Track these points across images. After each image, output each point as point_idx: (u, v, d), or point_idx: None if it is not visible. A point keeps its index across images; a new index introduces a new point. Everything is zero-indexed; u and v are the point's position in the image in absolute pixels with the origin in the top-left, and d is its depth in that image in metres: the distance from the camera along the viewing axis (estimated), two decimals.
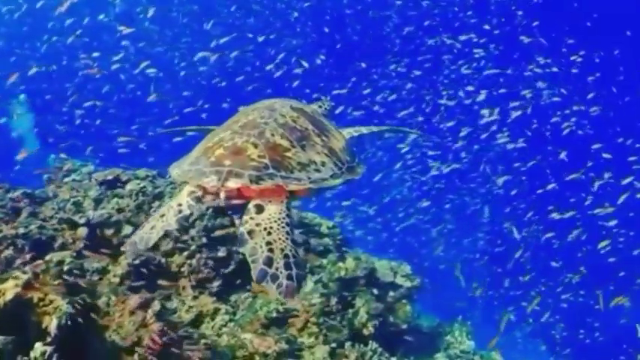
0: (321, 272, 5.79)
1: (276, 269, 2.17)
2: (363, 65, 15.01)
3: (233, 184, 2.32)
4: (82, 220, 5.62)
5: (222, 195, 2.41)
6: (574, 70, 13.65)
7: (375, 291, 5.97)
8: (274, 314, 4.79)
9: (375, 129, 3.50)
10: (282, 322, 5.11)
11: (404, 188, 17.15)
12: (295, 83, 14.31)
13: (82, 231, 5.56)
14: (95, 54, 13.91)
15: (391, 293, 6.38)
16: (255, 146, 2.45)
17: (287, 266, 2.19)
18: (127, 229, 5.72)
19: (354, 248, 8.03)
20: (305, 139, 2.66)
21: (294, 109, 2.89)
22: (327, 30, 15.92)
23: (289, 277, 2.16)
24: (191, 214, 2.76)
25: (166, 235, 5.83)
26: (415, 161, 14.66)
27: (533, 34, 13.66)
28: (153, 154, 13.28)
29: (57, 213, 5.87)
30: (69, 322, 3.44)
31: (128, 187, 6.24)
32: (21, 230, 5.15)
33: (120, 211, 6.00)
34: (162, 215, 2.70)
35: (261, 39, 14.80)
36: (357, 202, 15.93)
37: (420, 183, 16.30)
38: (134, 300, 3.85)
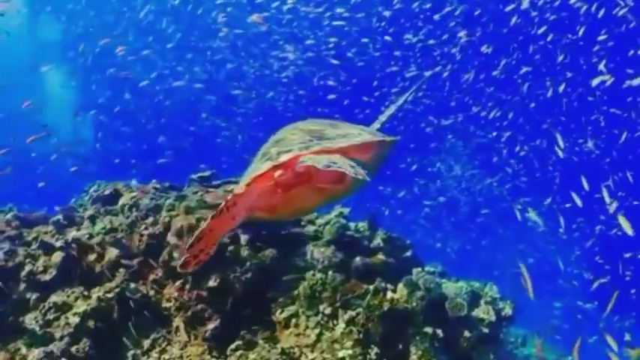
0: (358, 307, 4.08)
1: (343, 163, 2.13)
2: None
3: (285, 157, 2.26)
4: (59, 244, 4.56)
5: (278, 173, 2.28)
6: None
7: (441, 333, 4.10)
8: None
9: (394, 107, 3.33)
10: None
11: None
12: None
13: (57, 256, 4.49)
14: None
15: (466, 334, 4.45)
16: (294, 134, 2.47)
17: (352, 166, 2.13)
18: (112, 253, 4.56)
19: (428, 265, 6.17)
20: (334, 125, 2.66)
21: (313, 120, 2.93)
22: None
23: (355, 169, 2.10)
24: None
25: (154, 260, 4.60)
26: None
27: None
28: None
29: (40, 236, 4.91)
30: None
31: (120, 201, 5.12)
32: None
33: (111, 231, 4.88)
34: None
35: None
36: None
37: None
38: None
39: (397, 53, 13.04)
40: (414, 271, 5.07)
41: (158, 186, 5.76)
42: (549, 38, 11.90)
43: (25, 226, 5.23)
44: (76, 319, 3.72)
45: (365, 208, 6.25)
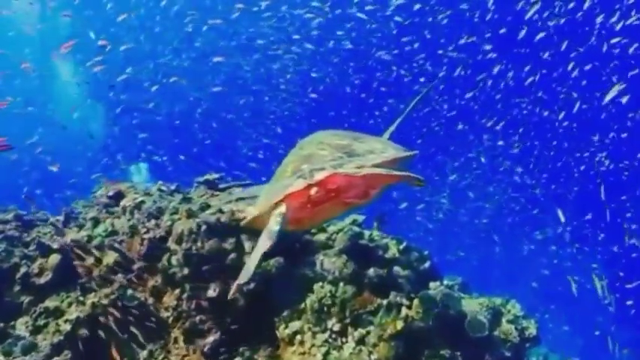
0: (369, 324, 3.76)
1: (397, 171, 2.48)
2: None
3: (320, 176, 2.30)
4: (57, 246, 4.36)
5: (314, 191, 2.33)
6: None
7: (459, 355, 3.75)
8: None
9: (402, 116, 3.42)
10: None
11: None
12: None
13: (54, 259, 4.29)
14: None
15: (487, 358, 4.08)
16: (323, 149, 2.51)
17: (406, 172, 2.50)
18: (111, 257, 4.33)
19: (447, 278, 5.80)
20: (358, 139, 2.72)
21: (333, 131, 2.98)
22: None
23: None
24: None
25: (155, 265, 4.35)
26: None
27: None
28: None
29: (38, 237, 4.72)
30: None
31: (122, 202, 4.90)
32: None
33: (112, 233, 4.67)
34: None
35: None
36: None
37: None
38: None
39: (396, 52, 12.76)
40: (432, 285, 4.72)
41: (164, 188, 5.54)
42: (564, 46, 11.50)
43: (26, 226, 5.06)
44: (67, 326, 3.48)
45: (381, 216, 5.95)
